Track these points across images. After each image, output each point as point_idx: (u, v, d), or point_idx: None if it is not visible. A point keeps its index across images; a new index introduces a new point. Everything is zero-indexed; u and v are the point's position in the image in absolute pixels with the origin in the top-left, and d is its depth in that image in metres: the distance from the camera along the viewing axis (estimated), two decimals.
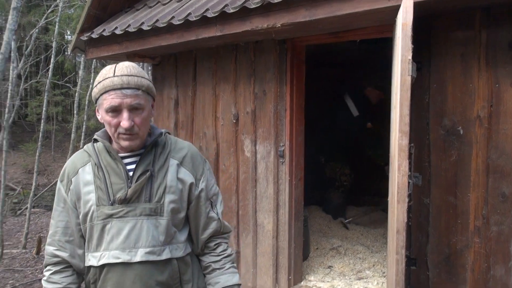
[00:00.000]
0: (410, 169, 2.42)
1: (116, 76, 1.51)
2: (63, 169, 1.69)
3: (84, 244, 1.65)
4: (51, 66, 8.92)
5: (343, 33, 3.34)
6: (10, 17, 6.40)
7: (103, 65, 18.50)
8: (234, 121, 3.94)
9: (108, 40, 4.18)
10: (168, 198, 1.61)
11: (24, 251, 8.14)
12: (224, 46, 3.94)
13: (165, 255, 1.59)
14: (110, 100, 1.50)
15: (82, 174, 1.61)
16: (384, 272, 4.10)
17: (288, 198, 3.71)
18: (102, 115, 1.56)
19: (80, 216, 1.62)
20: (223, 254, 1.76)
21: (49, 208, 13.24)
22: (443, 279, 2.95)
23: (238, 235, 3.99)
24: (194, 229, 1.73)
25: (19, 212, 12.64)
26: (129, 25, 3.90)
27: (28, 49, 11.83)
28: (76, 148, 10.43)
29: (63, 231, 1.66)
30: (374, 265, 4.30)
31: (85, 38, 4.34)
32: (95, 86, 1.55)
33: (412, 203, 2.90)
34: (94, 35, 4.22)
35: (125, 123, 1.50)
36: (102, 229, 1.58)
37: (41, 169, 19.48)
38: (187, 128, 4.33)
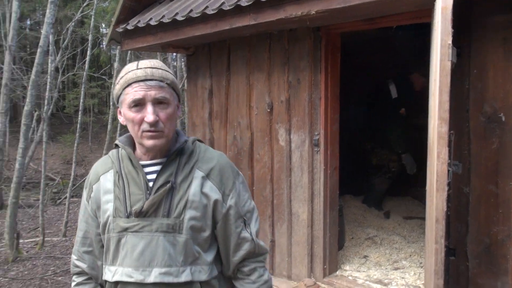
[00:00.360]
0: (449, 157, 2.36)
1: (139, 69, 1.41)
2: (88, 175, 1.60)
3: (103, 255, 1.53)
4: (87, 58, 9.09)
5: (379, 19, 3.27)
6: (47, 11, 6.57)
7: (137, 57, 18.79)
8: (268, 110, 3.93)
9: (143, 31, 4.23)
10: (188, 214, 1.43)
11: (64, 239, 8.39)
12: (258, 35, 3.93)
13: (184, 277, 1.42)
14: (133, 93, 1.39)
15: (103, 182, 1.51)
16: (421, 263, 4.03)
17: (323, 187, 3.68)
18: (124, 113, 1.43)
19: (100, 226, 1.50)
20: (259, 282, 1.55)
21: None
22: (483, 269, 2.89)
23: (273, 224, 4.00)
24: (223, 250, 1.54)
25: (58, 201, 13.02)
26: (163, 16, 3.93)
27: (65, 42, 12.06)
28: (112, 140, 10.64)
29: (82, 241, 1.58)
30: (410, 255, 4.24)
31: (121, 30, 4.40)
32: (117, 83, 1.45)
33: (451, 192, 2.84)
34: (129, 27, 4.27)
35: (149, 117, 1.37)
36: (118, 243, 1.44)
37: (78, 159, 19.97)
38: (221, 117, 4.35)
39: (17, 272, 6.43)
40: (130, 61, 13.07)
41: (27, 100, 6.89)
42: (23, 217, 10.56)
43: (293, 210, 3.85)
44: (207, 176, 1.48)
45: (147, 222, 1.42)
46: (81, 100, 9.34)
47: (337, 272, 3.92)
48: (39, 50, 6.62)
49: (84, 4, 12.59)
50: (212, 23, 3.63)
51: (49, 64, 8.84)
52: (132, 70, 1.42)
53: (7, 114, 12.46)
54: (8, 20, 13.50)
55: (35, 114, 10.46)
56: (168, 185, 1.43)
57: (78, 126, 9.10)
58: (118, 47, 9.72)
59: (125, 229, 1.42)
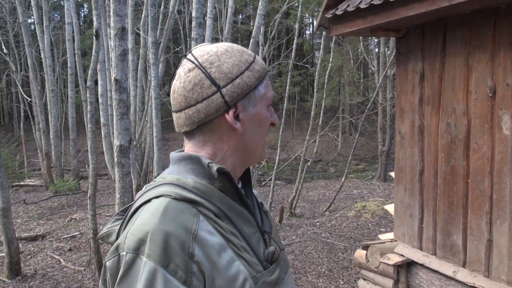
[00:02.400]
0: None
1: (256, 56, 1.12)
2: (150, 241, 0.90)
3: None
4: (293, 47, 9.44)
5: None
6: (260, 3, 6.97)
7: (339, 45, 18.94)
8: (490, 94, 3.52)
9: (352, 15, 4.17)
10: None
11: None
12: (481, 11, 3.53)
13: None
14: (270, 86, 1.12)
15: (206, 238, 0.94)
16: None
17: None
18: (258, 114, 1.07)
19: None
20: None
21: (289, 181, 14.28)
22: None
23: (491, 221, 3.59)
24: None
25: (263, 183, 13.95)
26: None
27: (272, 33, 12.77)
28: (315, 126, 10.89)
29: None
30: None
31: (329, 16, 4.41)
32: (248, 68, 1.05)
33: None
34: (338, 12, 4.25)
35: (277, 118, 1.15)
36: None
37: (282, 145, 21.13)
38: (433, 103, 4.06)
39: None
40: (334, 49, 13.19)
41: None
42: None
43: None
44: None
45: (281, 263, 1.10)
46: (287, 88, 9.75)
47: None
48: (251, 40, 7.09)
49: None
50: (428, 1, 3.37)
51: (259, 54, 9.43)
52: (255, 56, 1.11)
53: None
54: (224, 15, 14.79)
55: None
56: (266, 208, 1.21)
57: (284, 113, 9.52)
58: (324, 33, 9.90)
59: (275, 284, 1.05)
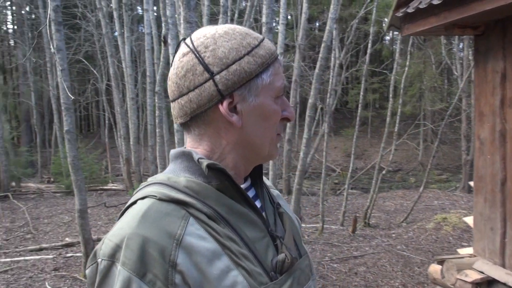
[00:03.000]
0: None
1: (265, 40, 0.95)
2: (125, 247, 0.80)
3: None
4: (368, 52, 9.15)
5: None
6: (331, 6, 6.80)
7: (419, 49, 18.17)
8: None
9: (425, 13, 3.91)
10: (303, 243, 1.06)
11: (341, 228, 8.68)
12: None
13: None
14: (280, 75, 0.94)
15: (195, 243, 0.82)
16: None
17: None
18: (263, 105, 0.91)
19: None
20: None
21: (365, 190, 13.86)
22: None
23: None
24: None
25: (338, 192, 13.65)
26: None
27: (349, 39, 12.49)
28: (390, 134, 10.48)
29: None
30: None
31: (400, 14, 4.17)
32: (250, 52, 0.90)
33: None
34: (409, 10, 4.01)
35: (293, 112, 0.98)
36: None
37: (358, 153, 20.66)
38: None
39: None
40: (412, 54, 12.63)
41: (311, 93, 7.31)
42: (307, 203, 11.41)
43: None
44: (279, 194, 1.18)
45: (296, 273, 0.94)
46: (361, 94, 9.47)
47: None
48: (322, 45, 6.93)
49: (368, 0, 12.78)
50: None
51: (332, 59, 9.24)
52: (263, 40, 0.94)
53: (296, 108, 13.70)
54: (300, 22, 14.71)
55: (319, 107, 11.12)
56: (282, 209, 1.04)
57: (358, 120, 9.24)
58: (400, 37, 9.50)
59: None
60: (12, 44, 23.04)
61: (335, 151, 21.46)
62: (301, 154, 7.51)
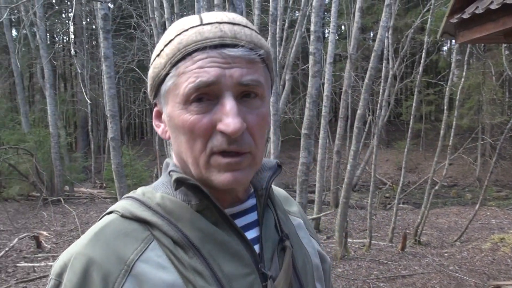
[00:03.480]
0: None
1: (207, 24, 0.72)
2: (70, 267, 0.71)
3: None
4: (421, 62, 8.81)
5: None
6: (383, 14, 6.58)
7: (478, 60, 17.43)
8: None
9: (481, 19, 3.66)
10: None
11: (390, 244, 8.34)
12: None
13: None
14: (196, 72, 0.70)
15: (149, 273, 0.70)
16: None
17: None
18: (172, 114, 0.74)
19: None
20: None
21: (417, 206, 13.34)
22: None
23: None
24: None
25: (388, 206, 13.21)
26: None
27: (404, 49, 12.13)
28: (445, 148, 10.02)
29: None
30: None
31: (455, 21, 3.93)
32: (158, 55, 0.76)
33: None
34: (465, 15, 3.77)
35: (231, 122, 0.68)
36: None
37: (411, 166, 20.00)
38: None
39: (343, 270, 6.66)
40: (471, 65, 12.07)
41: (360, 103, 7.08)
42: (354, 217, 11.09)
43: None
44: (304, 223, 0.97)
45: None
46: (414, 105, 9.12)
47: None
48: (373, 54, 6.71)
49: (424, 10, 12.39)
50: None
51: (383, 69, 8.96)
52: (193, 26, 0.73)
53: (347, 119, 13.42)
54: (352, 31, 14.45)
55: (369, 118, 10.82)
56: (287, 243, 0.83)
57: (409, 132, 8.89)
58: (456, 46, 9.10)
59: None
60: (73, 53, 24.08)
61: (387, 164, 20.89)
62: (348, 166, 7.29)
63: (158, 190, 0.79)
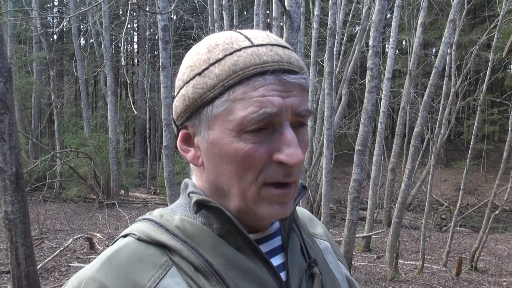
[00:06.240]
0: None
1: (261, 46, 0.68)
2: None
3: None
4: (486, 79, 8.46)
5: None
6: (446, 30, 6.37)
7: None
8: None
9: None
10: None
11: (444, 269, 7.99)
12: None
13: None
14: (258, 100, 0.65)
15: None
16: None
17: None
18: (217, 140, 0.68)
19: None
20: None
21: (475, 230, 12.75)
22: None
23: None
24: None
25: (444, 228, 12.71)
26: None
27: (467, 66, 11.70)
28: (508, 171, 9.56)
29: None
30: None
31: None
32: (200, 73, 0.68)
33: None
34: None
35: (294, 153, 0.65)
36: None
37: (471, 188, 19.18)
38: None
39: None
40: None
41: (418, 121, 6.87)
42: (407, 238, 10.74)
43: None
44: (332, 246, 0.92)
45: None
46: (475, 125, 8.76)
47: None
48: (433, 70, 6.50)
49: (491, 26, 11.92)
50: None
51: (444, 86, 8.67)
52: (245, 47, 0.68)
53: (403, 136, 13.07)
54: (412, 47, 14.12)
55: (427, 136, 10.48)
56: (316, 270, 0.77)
57: (469, 152, 8.54)
58: None
59: None
60: (136, 62, 24.95)
61: (445, 184, 20.14)
62: (402, 185, 7.07)
63: (176, 213, 0.75)
